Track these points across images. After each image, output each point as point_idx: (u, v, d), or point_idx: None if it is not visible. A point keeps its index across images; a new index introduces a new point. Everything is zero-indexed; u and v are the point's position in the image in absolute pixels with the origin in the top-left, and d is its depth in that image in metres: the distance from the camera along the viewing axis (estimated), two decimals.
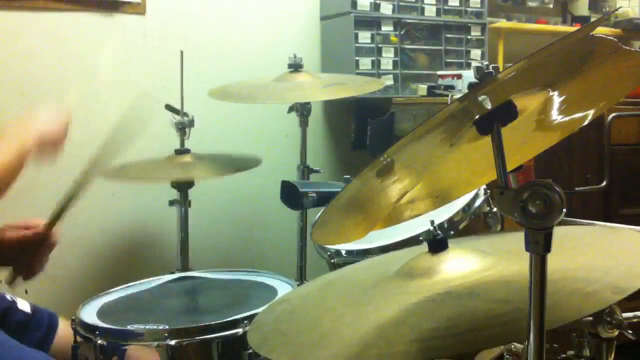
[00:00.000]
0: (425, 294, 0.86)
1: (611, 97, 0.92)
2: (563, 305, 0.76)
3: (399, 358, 0.75)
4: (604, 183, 2.33)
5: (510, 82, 0.73)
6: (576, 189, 2.27)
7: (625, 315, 0.92)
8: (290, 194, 1.45)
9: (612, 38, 0.74)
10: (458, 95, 1.88)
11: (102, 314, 1.35)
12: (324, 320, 0.92)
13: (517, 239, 0.87)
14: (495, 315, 0.76)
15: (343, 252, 1.46)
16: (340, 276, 1.14)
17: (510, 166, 0.91)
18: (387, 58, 2.47)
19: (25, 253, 1.29)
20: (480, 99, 0.74)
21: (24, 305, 1.40)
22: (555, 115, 0.90)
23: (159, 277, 1.59)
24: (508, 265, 0.88)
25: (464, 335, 0.75)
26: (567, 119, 0.92)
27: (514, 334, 0.78)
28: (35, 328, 1.38)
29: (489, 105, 0.75)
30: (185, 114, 2.01)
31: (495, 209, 1.44)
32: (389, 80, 2.45)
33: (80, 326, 1.28)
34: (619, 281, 0.78)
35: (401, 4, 2.49)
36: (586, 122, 0.93)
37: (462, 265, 0.91)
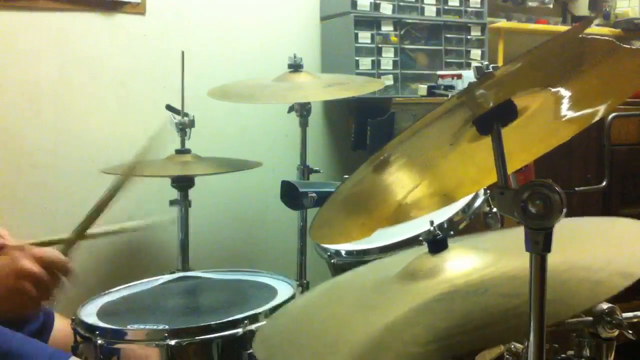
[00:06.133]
0: (432, 294, 0.86)
1: (618, 95, 0.92)
2: (575, 294, 0.76)
3: (416, 358, 0.75)
4: (604, 183, 2.33)
5: (510, 82, 0.73)
6: (576, 189, 2.26)
7: (625, 315, 0.92)
8: (290, 194, 1.45)
9: (607, 38, 0.74)
10: None
11: (102, 314, 1.35)
12: (330, 327, 0.92)
13: (514, 235, 0.87)
14: (507, 309, 0.76)
15: (343, 253, 1.46)
16: (339, 283, 1.14)
17: (517, 165, 0.91)
18: (387, 58, 2.47)
19: (39, 290, 1.11)
20: (479, 98, 0.74)
21: None
22: (562, 114, 0.91)
23: (159, 277, 1.59)
24: (510, 261, 0.88)
25: (480, 331, 0.75)
26: (574, 116, 0.92)
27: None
28: (31, 320, 1.38)
29: (488, 105, 0.76)
30: (186, 114, 2.02)
31: (495, 209, 1.44)
32: (389, 80, 2.45)
33: (80, 326, 1.28)
34: (625, 267, 0.79)
35: (401, 4, 2.49)
36: (595, 119, 0.93)
37: (464, 263, 0.91)
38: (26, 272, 1.09)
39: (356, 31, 2.41)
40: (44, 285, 1.11)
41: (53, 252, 1.15)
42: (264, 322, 1.23)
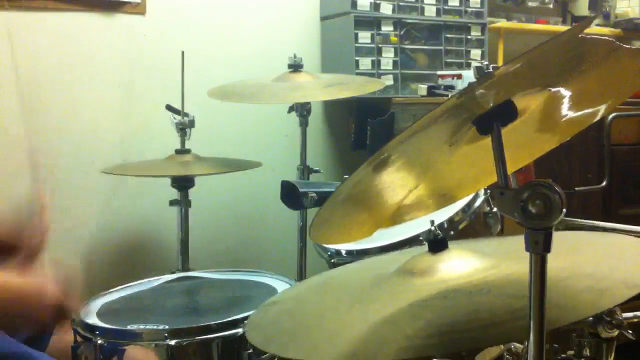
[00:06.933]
0: (432, 291, 0.86)
1: (618, 95, 0.92)
2: (579, 301, 0.76)
3: (420, 351, 0.75)
4: (604, 183, 2.33)
5: (510, 82, 0.73)
6: (576, 189, 2.27)
7: (625, 315, 0.92)
8: (290, 194, 1.45)
9: (607, 38, 0.74)
10: None
11: (102, 314, 1.35)
12: (328, 319, 0.92)
13: (515, 242, 0.87)
14: (514, 309, 0.76)
15: (343, 252, 1.46)
16: (333, 277, 1.14)
17: (517, 165, 0.91)
18: (387, 58, 2.47)
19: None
20: (479, 98, 0.74)
21: None
22: (563, 114, 0.91)
23: (159, 277, 1.59)
24: (511, 265, 0.88)
25: (486, 329, 0.75)
26: (574, 116, 0.92)
27: None
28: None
29: (488, 105, 0.76)
30: (186, 114, 2.01)
31: (495, 209, 1.44)
32: (389, 80, 2.45)
33: (80, 326, 1.28)
34: (629, 277, 0.79)
35: (401, 4, 2.49)
36: (596, 119, 0.93)
37: (465, 264, 0.91)
38: (50, 306, 1.05)
39: (356, 31, 2.41)
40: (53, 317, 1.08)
41: (72, 290, 1.12)
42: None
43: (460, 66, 2.59)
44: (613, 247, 0.97)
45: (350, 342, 0.81)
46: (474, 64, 2.36)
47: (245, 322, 1.24)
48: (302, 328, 0.92)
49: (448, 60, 2.60)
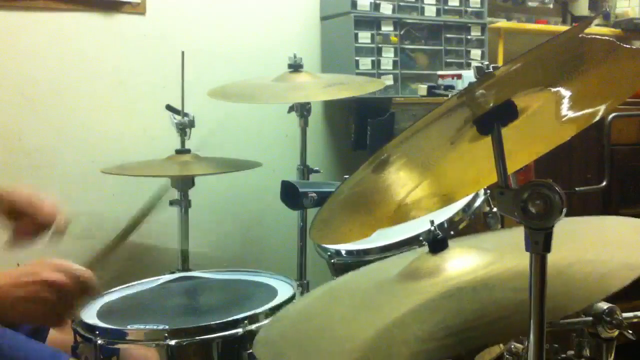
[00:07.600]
0: (437, 292, 0.86)
1: (618, 95, 0.92)
2: (584, 287, 0.77)
3: (435, 353, 0.75)
4: (604, 183, 2.33)
5: (510, 82, 0.73)
6: (576, 189, 2.26)
7: (625, 315, 0.92)
8: (290, 194, 1.45)
9: (607, 38, 0.74)
10: None
11: (102, 314, 1.35)
12: (336, 327, 0.92)
13: (513, 235, 0.87)
14: (520, 302, 0.76)
15: (343, 252, 1.46)
16: (335, 286, 1.14)
17: (517, 165, 0.91)
18: (387, 58, 2.47)
19: (62, 301, 1.07)
20: (479, 98, 0.74)
21: None
22: (562, 114, 0.91)
23: (159, 277, 1.59)
24: (512, 259, 0.88)
25: (496, 324, 0.76)
26: (574, 116, 0.92)
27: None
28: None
29: (488, 105, 0.76)
30: (186, 114, 2.02)
31: (495, 209, 1.44)
32: (389, 80, 2.45)
33: (80, 326, 1.28)
34: (630, 260, 0.80)
35: (401, 4, 2.49)
36: (596, 119, 0.93)
37: (466, 262, 0.92)
38: (50, 281, 1.04)
39: (356, 31, 2.41)
40: (68, 297, 1.06)
41: (75, 265, 1.12)
42: (263, 323, 1.22)
43: (460, 66, 2.59)
44: (610, 232, 0.98)
45: (361, 348, 0.81)
46: (474, 64, 2.35)
47: (246, 321, 1.24)
48: (310, 339, 0.91)
49: (448, 60, 2.60)
